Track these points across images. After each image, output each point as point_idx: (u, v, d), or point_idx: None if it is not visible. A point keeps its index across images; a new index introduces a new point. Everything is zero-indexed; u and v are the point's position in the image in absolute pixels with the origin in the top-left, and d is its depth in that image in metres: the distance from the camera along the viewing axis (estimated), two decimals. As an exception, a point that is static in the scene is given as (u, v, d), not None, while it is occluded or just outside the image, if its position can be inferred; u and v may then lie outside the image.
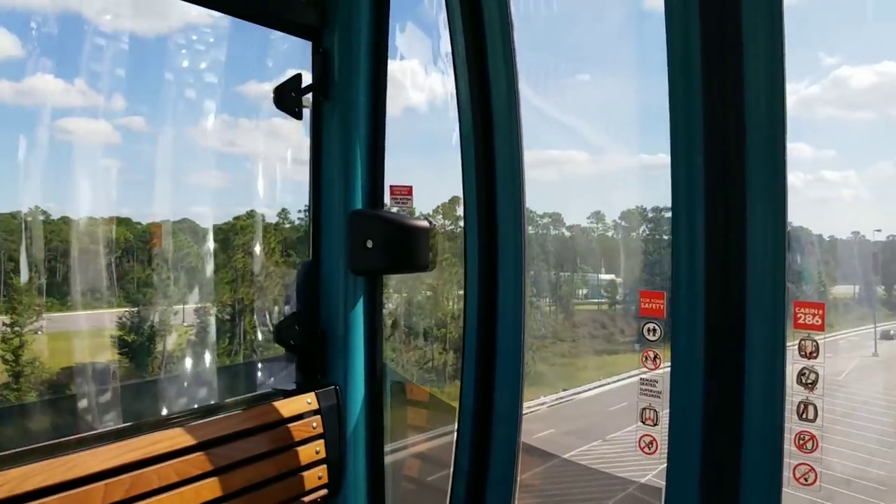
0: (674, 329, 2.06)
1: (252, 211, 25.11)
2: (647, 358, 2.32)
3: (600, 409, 20.67)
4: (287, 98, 2.47)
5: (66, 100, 43.42)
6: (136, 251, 29.55)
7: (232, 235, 24.30)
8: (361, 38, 2.47)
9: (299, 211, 30.38)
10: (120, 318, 25.88)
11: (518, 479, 2.56)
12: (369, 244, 2.43)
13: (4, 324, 24.14)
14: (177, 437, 2.00)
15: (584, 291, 30.66)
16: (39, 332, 24.82)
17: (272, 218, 26.20)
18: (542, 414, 19.48)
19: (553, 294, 30.08)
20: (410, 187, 2.71)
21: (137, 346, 24.44)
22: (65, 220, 46.08)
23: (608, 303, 30.01)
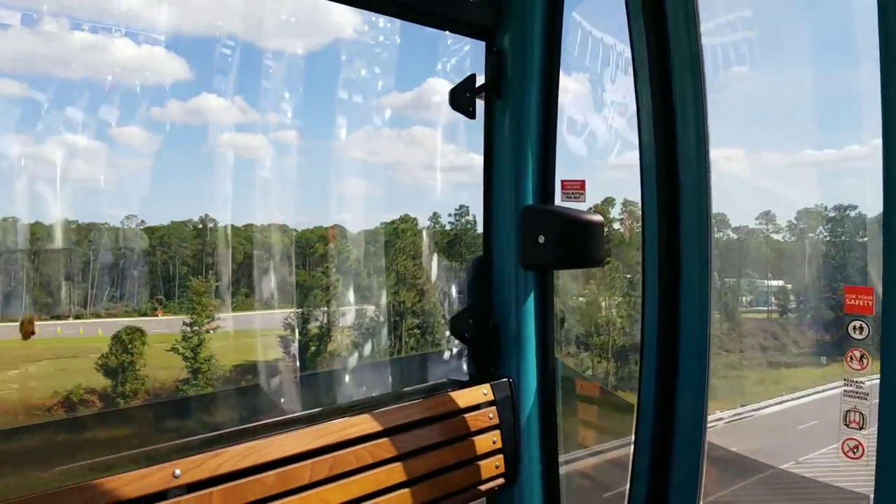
0: (885, 328, 1.89)
1: (406, 215, 25.86)
2: (852, 358, 2.23)
3: (788, 427, 18.82)
4: (461, 98, 2.54)
5: (227, 117, 47.16)
6: (300, 255, 31.15)
7: (393, 238, 25.02)
8: (535, 36, 2.48)
9: (449, 215, 31.60)
10: (286, 319, 27.24)
11: (702, 484, 2.49)
12: (541, 239, 2.44)
13: (185, 323, 26.17)
14: (368, 423, 2.11)
15: (749, 298, 28.37)
16: (213, 332, 26.69)
17: (424, 222, 26.89)
18: (720, 430, 17.98)
19: (717, 301, 28.04)
20: (583, 181, 2.68)
21: (317, 341, 25.51)
22: (230, 228, 49.91)
23: (779, 311, 27.54)
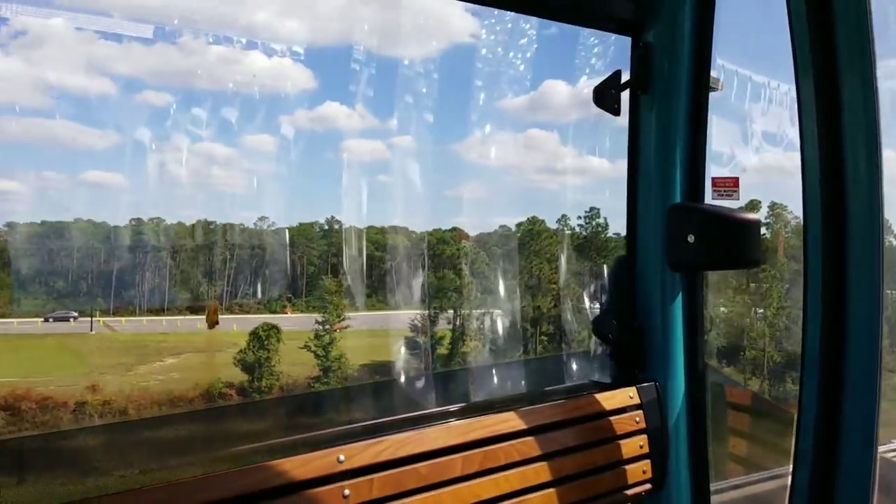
0: None
1: (534, 217, 25.17)
2: None
3: None
4: (606, 95, 2.52)
5: (349, 123, 48.56)
6: (425, 257, 31.15)
7: (528, 240, 24.38)
8: (685, 30, 2.41)
9: (579, 217, 30.66)
10: (416, 318, 27.05)
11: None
12: (690, 238, 2.36)
13: (317, 321, 26.57)
14: (515, 420, 2.14)
15: (906, 313, 25.19)
16: (344, 330, 26.90)
17: (551, 224, 26.21)
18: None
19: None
20: (736, 179, 2.61)
21: (449, 341, 25.28)
22: (352, 229, 51.15)
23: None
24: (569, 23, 2.51)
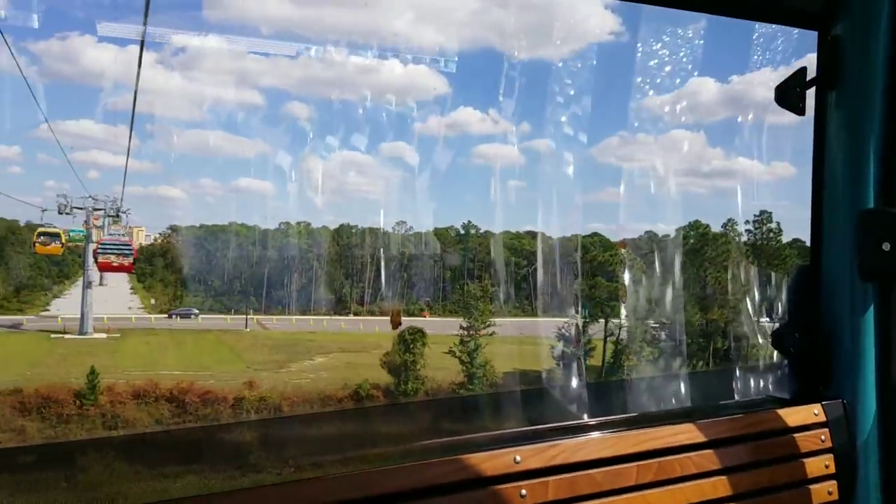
0: None
1: (697, 221, 23.29)
2: None
3: None
4: (790, 94, 2.42)
5: (482, 128, 48.40)
6: (561, 263, 30.04)
7: (701, 246, 22.63)
8: (880, 21, 2.20)
9: (746, 222, 28.22)
10: (564, 326, 25.94)
11: None
12: (886, 247, 2.17)
13: (461, 327, 26.09)
14: (691, 432, 2.12)
15: None
16: (490, 336, 26.23)
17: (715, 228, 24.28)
18: None
19: None
20: None
21: (603, 350, 24.03)
22: (489, 234, 50.81)
23: None
24: (750, 19, 2.43)
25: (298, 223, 45.65)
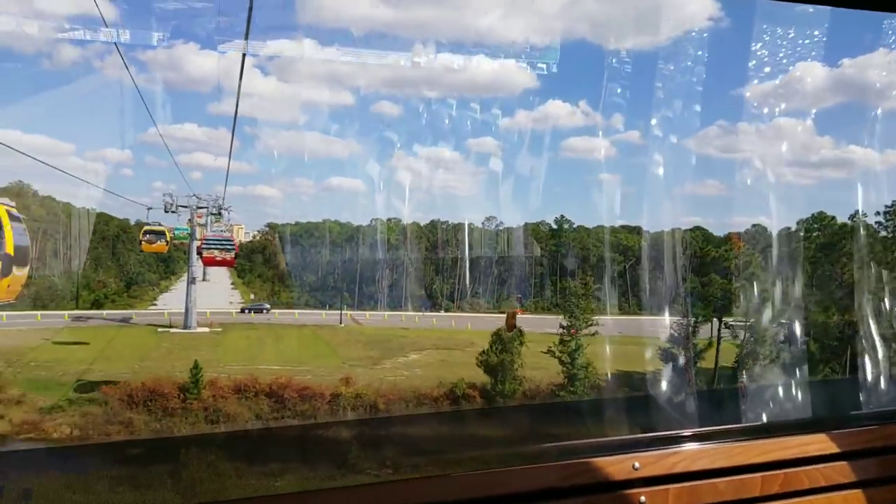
0: None
1: (821, 213, 21.15)
2: None
3: None
4: None
5: (572, 121, 47.02)
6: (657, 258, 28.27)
7: (837, 240, 20.59)
8: None
9: (877, 213, 25.61)
10: (673, 326, 24.24)
11: None
12: None
13: (562, 326, 24.93)
14: (820, 443, 2.03)
15: None
16: (593, 336, 24.95)
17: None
18: None
19: None
20: None
21: (740, 353, 22.38)
22: (581, 229, 49.20)
23: None
24: (878, 10, 2.34)
25: (389, 219, 45.76)
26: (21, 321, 29.02)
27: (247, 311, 36.12)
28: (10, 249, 9.47)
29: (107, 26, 28.40)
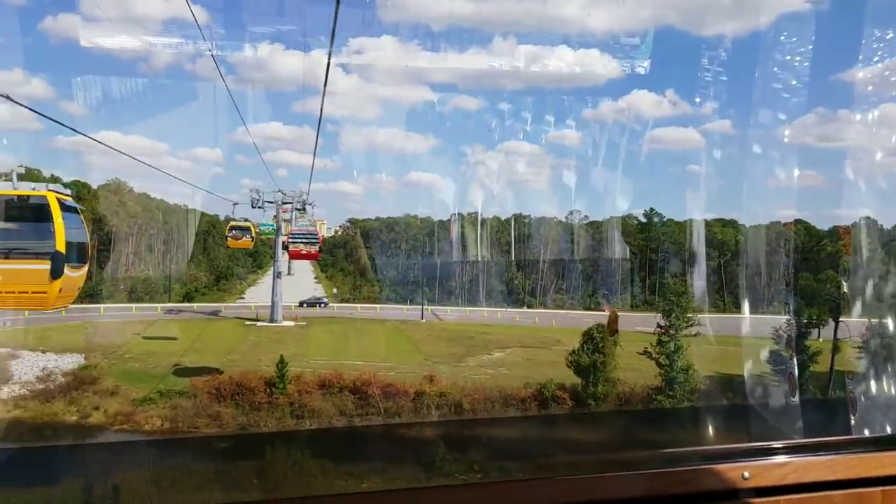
0: None
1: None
2: None
3: None
4: None
5: (658, 111, 44.96)
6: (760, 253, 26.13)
7: None
8: None
9: None
10: (780, 327, 22.27)
11: None
12: None
13: (659, 325, 23.38)
14: None
15: None
16: (694, 336, 23.25)
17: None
18: None
19: None
20: None
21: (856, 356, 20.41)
22: (670, 222, 46.86)
23: None
24: None
25: (469, 214, 45.02)
26: (117, 314, 30.14)
27: (304, 304, 36.49)
28: (60, 246, 7.83)
29: (199, 30, 29.04)
